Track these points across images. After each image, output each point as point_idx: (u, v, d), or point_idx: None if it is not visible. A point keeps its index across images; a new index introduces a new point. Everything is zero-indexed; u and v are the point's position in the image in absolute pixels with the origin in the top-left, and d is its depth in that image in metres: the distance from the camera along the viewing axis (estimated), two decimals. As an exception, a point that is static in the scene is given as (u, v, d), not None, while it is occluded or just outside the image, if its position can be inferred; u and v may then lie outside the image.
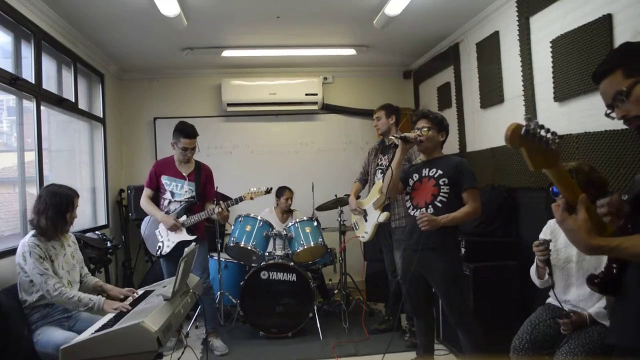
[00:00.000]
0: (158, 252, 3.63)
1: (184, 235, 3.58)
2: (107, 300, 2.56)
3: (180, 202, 3.62)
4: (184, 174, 3.66)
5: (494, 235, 3.62)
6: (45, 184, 3.43)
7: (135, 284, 4.93)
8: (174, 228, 3.55)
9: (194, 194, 3.64)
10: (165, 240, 3.61)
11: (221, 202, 3.53)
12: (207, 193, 3.72)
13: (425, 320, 3.06)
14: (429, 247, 2.75)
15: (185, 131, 3.57)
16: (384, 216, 3.66)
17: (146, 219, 3.77)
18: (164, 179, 3.65)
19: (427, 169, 2.87)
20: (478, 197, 2.78)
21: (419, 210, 2.82)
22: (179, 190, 3.64)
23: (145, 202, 3.68)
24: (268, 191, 3.65)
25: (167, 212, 3.61)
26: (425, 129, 2.82)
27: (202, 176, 3.70)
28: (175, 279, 2.38)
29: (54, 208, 2.56)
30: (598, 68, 1.41)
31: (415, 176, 2.91)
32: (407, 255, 2.94)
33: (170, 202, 3.64)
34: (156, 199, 3.71)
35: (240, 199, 3.61)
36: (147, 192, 3.70)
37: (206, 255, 3.82)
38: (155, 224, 3.68)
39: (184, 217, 3.58)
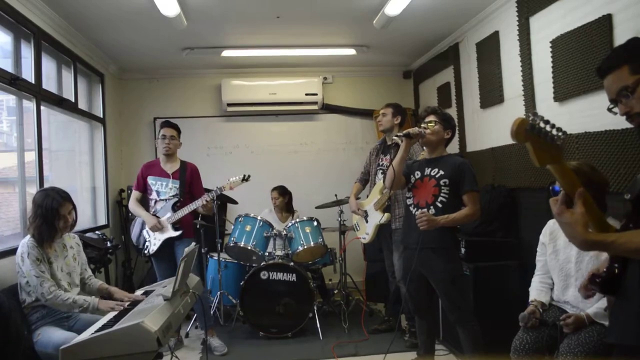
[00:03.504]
0: (146, 252, 3.69)
1: (170, 232, 3.60)
2: (101, 300, 2.57)
3: (166, 200, 3.65)
4: (168, 173, 3.70)
5: (494, 235, 3.62)
6: (46, 184, 3.44)
7: (135, 284, 4.93)
8: (154, 229, 3.59)
9: (178, 191, 3.66)
10: (152, 239, 3.65)
11: (206, 194, 3.58)
12: (193, 191, 3.72)
13: (427, 321, 3.06)
14: (429, 247, 2.75)
15: (163, 122, 3.77)
16: (385, 217, 3.65)
17: (134, 221, 3.81)
18: (150, 180, 3.71)
19: (430, 168, 2.86)
20: (478, 200, 2.78)
21: (420, 210, 2.82)
22: (163, 189, 3.68)
23: (132, 204, 3.77)
24: (245, 179, 3.60)
25: (155, 212, 3.65)
26: (432, 123, 2.84)
27: (187, 174, 3.72)
28: (175, 279, 2.38)
29: (41, 218, 2.53)
30: (603, 62, 1.40)
31: (418, 174, 2.91)
32: (407, 255, 2.95)
33: (156, 201, 3.69)
34: (146, 202, 3.76)
35: (221, 189, 3.60)
36: (134, 194, 3.79)
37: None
38: (142, 224, 3.72)
39: (168, 214, 3.61)
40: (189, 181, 3.71)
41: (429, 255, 2.77)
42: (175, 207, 3.62)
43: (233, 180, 3.60)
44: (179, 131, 3.75)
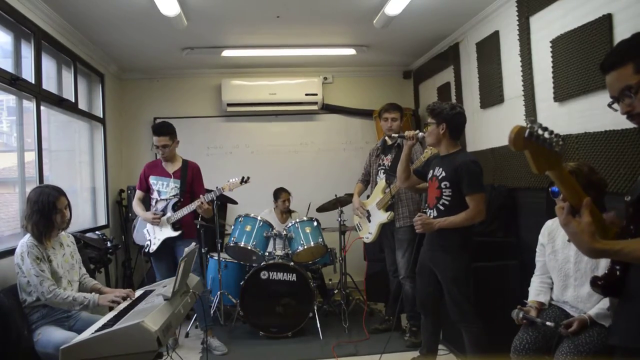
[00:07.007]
0: (146, 250, 3.70)
1: (169, 232, 3.61)
2: (101, 295, 2.59)
3: (166, 200, 3.65)
4: (169, 172, 3.70)
5: (494, 235, 3.62)
6: (45, 184, 3.43)
7: (135, 284, 4.93)
8: (154, 222, 3.61)
9: (178, 191, 3.66)
10: (152, 238, 3.66)
11: (202, 195, 3.56)
12: (195, 190, 3.71)
13: (433, 319, 3.06)
14: (440, 244, 2.79)
15: (154, 129, 3.68)
16: (388, 216, 3.66)
17: (136, 219, 3.85)
18: (152, 180, 3.71)
19: (438, 167, 2.86)
20: (480, 202, 2.70)
21: (429, 210, 2.87)
22: (164, 189, 3.68)
23: (134, 203, 3.79)
24: (245, 181, 3.60)
25: (155, 212, 3.65)
26: (430, 125, 2.86)
27: (188, 174, 3.71)
28: (175, 279, 2.38)
29: (38, 213, 2.53)
30: (607, 58, 1.36)
31: (431, 172, 2.93)
32: (423, 250, 3.00)
33: (157, 201, 3.69)
34: (148, 202, 3.78)
35: (220, 190, 3.59)
36: (137, 194, 3.81)
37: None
38: (144, 223, 3.74)
39: (169, 214, 3.61)
40: (190, 180, 3.70)
41: (438, 253, 2.81)
42: (175, 207, 3.62)
43: (232, 181, 3.60)
44: (171, 133, 3.63)
